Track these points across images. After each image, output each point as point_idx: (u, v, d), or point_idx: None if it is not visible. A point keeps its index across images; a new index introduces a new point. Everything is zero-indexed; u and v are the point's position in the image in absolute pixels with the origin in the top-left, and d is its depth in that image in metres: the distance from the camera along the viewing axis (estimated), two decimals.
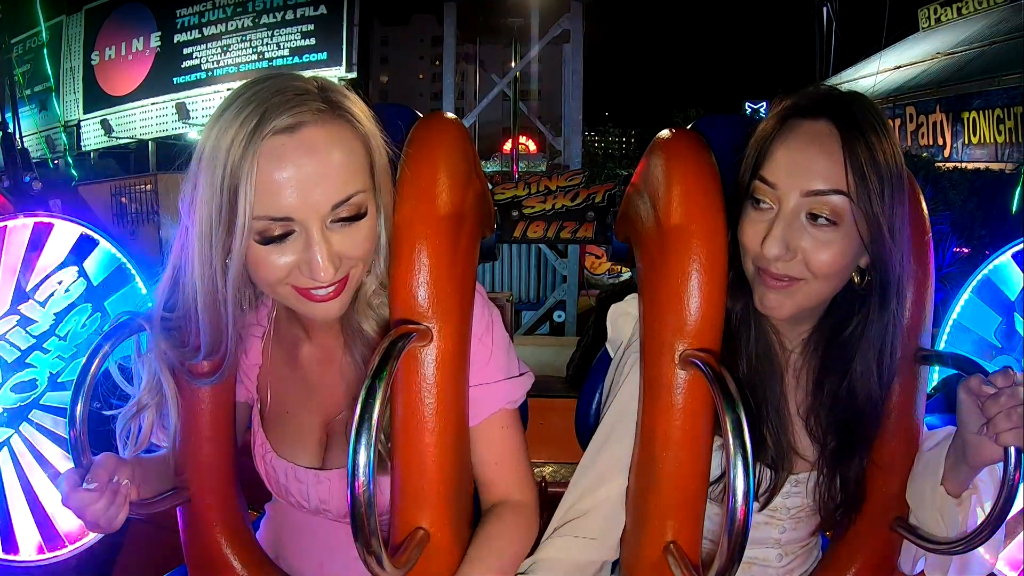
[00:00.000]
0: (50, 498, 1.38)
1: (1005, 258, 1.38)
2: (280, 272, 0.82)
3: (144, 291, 1.44)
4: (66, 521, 1.38)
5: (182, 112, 6.70)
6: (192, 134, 6.70)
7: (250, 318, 1.03)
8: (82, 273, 1.42)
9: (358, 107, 0.85)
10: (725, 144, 0.98)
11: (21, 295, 1.40)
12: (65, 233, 1.42)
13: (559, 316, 5.64)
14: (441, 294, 0.88)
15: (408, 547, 0.86)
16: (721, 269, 0.88)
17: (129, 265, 1.44)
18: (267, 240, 0.80)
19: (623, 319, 1.05)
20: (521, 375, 1.00)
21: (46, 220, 1.42)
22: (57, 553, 1.38)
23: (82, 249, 1.43)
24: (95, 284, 1.43)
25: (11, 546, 1.37)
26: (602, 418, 1.03)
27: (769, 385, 0.97)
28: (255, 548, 1.06)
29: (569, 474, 1.05)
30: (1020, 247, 1.37)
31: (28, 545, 1.38)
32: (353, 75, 6.24)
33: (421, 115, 1.01)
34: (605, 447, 0.99)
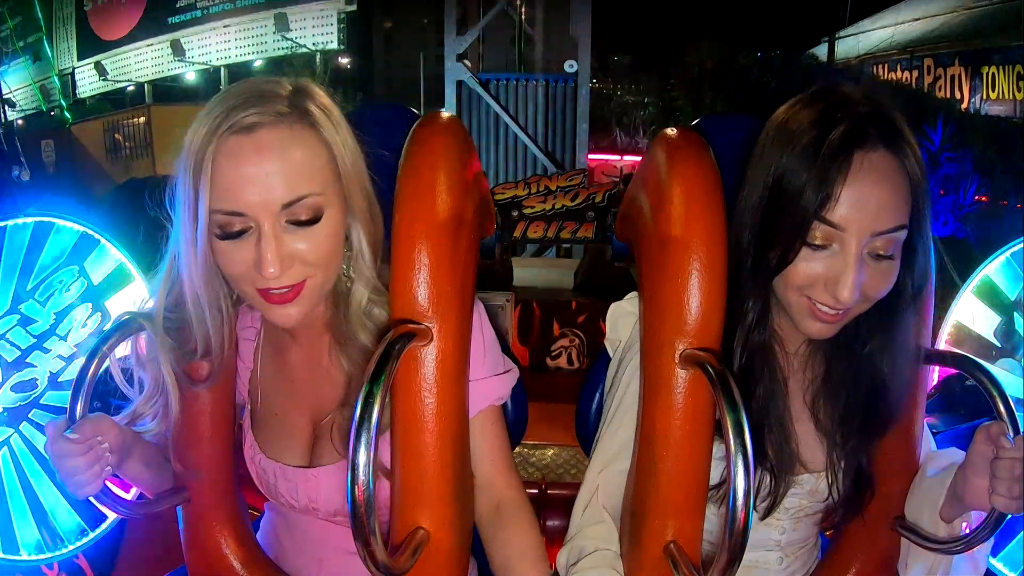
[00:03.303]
0: (50, 498, 1.38)
1: (1005, 258, 1.38)
2: (240, 268, 0.84)
3: (145, 291, 1.44)
4: (66, 521, 1.38)
5: (177, 49, 6.58)
6: (190, 75, 6.56)
7: (244, 320, 1.04)
8: (82, 273, 1.42)
9: (328, 113, 0.86)
10: (726, 144, 0.98)
11: (21, 294, 1.40)
12: (66, 233, 1.42)
13: None
14: (441, 294, 0.88)
15: (408, 547, 0.86)
16: (721, 269, 0.88)
17: (130, 265, 1.44)
18: (226, 235, 0.82)
19: (623, 319, 1.06)
20: (507, 372, 1.01)
21: (47, 220, 1.42)
22: (57, 553, 1.38)
23: (83, 249, 1.43)
24: (95, 284, 1.43)
25: (11, 546, 1.37)
26: (605, 416, 1.03)
27: (771, 394, 0.96)
28: (255, 548, 1.06)
29: (570, 457, 1.05)
30: (1020, 247, 1.37)
31: (28, 545, 1.38)
32: (353, 8, 6.13)
33: (420, 115, 1.02)
34: (612, 443, 0.99)
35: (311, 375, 1.01)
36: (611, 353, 1.08)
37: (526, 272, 4.06)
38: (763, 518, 1.00)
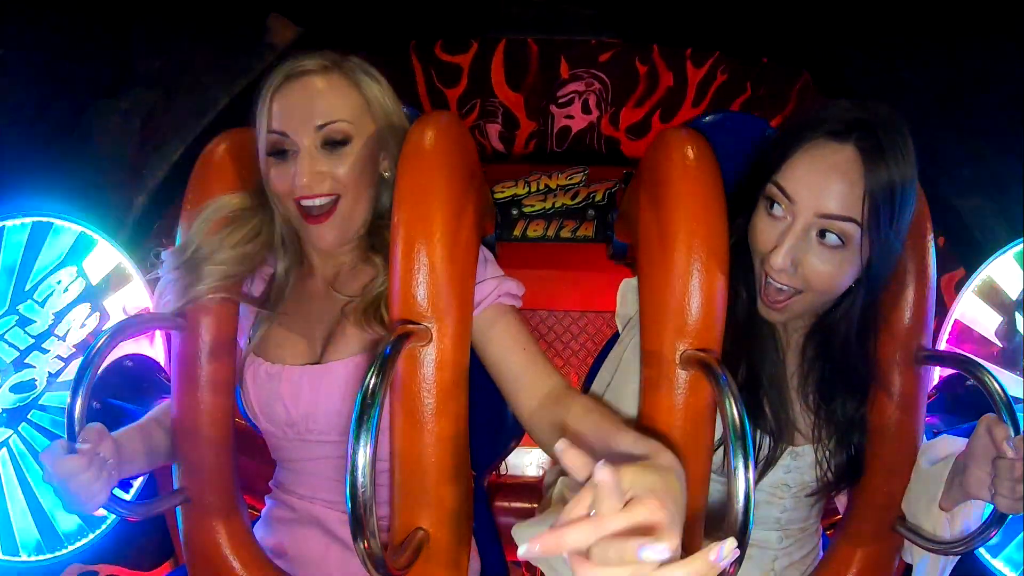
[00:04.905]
0: (50, 498, 1.38)
1: (1005, 258, 1.38)
2: (283, 184, 0.99)
3: (144, 290, 1.43)
4: (66, 521, 1.38)
5: None
6: None
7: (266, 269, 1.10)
8: (81, 272, 1.42)
9: (365, 71, 1.03)
10: (728, 144, 0.98)
11: (20, 295, 1.40)
12: (64, 232, 1.42)
13: None
14: (440, 294, 0.88)
15: (408, 547, 0.86)
16: (722, 269, 0.88)
17: (129, 264, 1.43)
18: (272, 152, 0.99)
19: (632, 294, 1.06)
20: (510, 279, 1.02)
21: (45, 220, 1.42)
22: (57, 553, 1.38)
23: (81, 248, 1.42)
24: (94, 284, 1.42)
25: (11, 546, 1.37)
26: (604, 372, 1.03)
27: (766, 358, 0.99)
28: (255, 548, 1.06)
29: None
30: (1020, 247, 1.37)
31: (28, 545, 1.38)
32: None
33: (420, 114, 1.01)
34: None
35: (327, 294, 1.06)
36: (620, 329, 1.09)
37: None
38: (758, 480, 1.01)
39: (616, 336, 1.12)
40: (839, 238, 0.89)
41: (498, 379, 0.99)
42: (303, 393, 1.01)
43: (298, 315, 1.06)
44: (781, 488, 1.03)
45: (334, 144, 0.98)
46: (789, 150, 0.91)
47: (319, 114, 0.98)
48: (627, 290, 1.08)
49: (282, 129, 0.98)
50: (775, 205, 0.92)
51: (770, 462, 0.99)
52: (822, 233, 0.89)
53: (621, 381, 1.00)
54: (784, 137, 0.93)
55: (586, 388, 1.18)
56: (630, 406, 0.97)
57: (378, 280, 1.03)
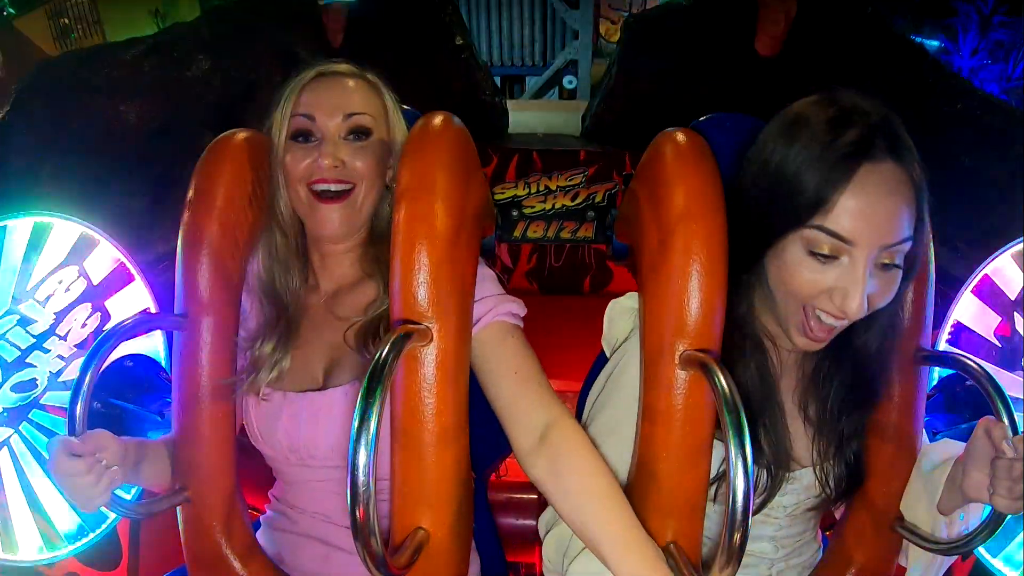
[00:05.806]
0: (50, 498, 1.38)
1: (1005, 258, 1.38)
2: (302, 166, 1.02)
3: (145, 290, 1.44)
4: (66, 521, 1.38)
5: None
6: None
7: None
8: (82, 272, 1.42)
9: (386, 87, 1.10)
10: (726, 144, 0.98)
11: (21, 294, 1.40)
12: (65, 232, 1.42)
13: (570, 82, 4.79)
14: (441, 294, 0.88)
15: (408, 547, 0.86)
16: (721, 269, 0.88)
17: (129, 264, 1.44)
18: (295, 135, 1.04)
19: (620, 316, 1.05)
20: (512, 299, 1.01)
21: (46, 219, 1.42)
22: (57, 553, 1.38)
23: (82, 248, 1.43)
24: (95, 283, 1.43)
25: (11, 546, 1.37)
26: (599, 411, 1.01)
27: (764, 390, 0.97)
28: (255, 548, 1.06)
29: None
30: (1020, 247, 1.37)
31: (28, 545, 1.38)
32: None
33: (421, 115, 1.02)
34: (607, 442, 0.99)
35: (327, 315, 1.07)
36: (607, 352, 1.08)
37: (524, 116, 3.38)
38: (756, 512, 1.00)
39: (602, 355, 1.11)
40: (898, 263, 0.86)
41: (492, 407, 0.96)
42: (303, 421, 1.01)
43: (299, 337, 1.06)
44: (777, 510, 1.03)
45: (358, 134, 1.04)
46: (826, 189, 0.83)
47: (348, 105, 1.04)
48: (615, 313, 1.06)
49: (310, 113, 1.03)
50: (824, 253, 0.85)
51: (770, 494, 0.97)
52: (883, 264, 0.86)
53: (607, 404, 0.99)
54: (804, 175, 0.84)
55: (580, 408, 1.18)
56: (620, 433, 0.96)
57: (379, 301, 1.03)
